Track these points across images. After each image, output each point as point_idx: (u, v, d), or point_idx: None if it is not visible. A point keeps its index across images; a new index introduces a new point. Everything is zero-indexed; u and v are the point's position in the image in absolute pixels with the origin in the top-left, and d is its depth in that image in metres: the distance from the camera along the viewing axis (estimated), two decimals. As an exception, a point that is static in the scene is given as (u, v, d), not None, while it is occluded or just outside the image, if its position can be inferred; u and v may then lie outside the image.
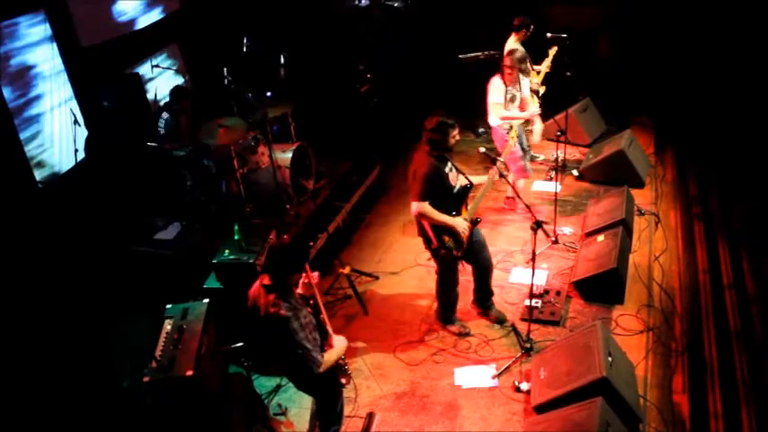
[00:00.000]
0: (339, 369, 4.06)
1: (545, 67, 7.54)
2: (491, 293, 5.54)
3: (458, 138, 4.86)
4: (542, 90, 7.62)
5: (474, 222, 5.03)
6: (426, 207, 4.77)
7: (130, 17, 7.86)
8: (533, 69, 7.61)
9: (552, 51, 7.51)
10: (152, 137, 6.58)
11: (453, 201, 4.94)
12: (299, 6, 9.22)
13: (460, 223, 4.90)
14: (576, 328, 5.11)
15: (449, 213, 4.87)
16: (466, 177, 5.00)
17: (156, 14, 8.31)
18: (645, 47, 9.52)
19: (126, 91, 7.49)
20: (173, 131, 6.69)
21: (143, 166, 6.58)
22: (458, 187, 4.95)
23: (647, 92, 9.25)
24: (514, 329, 5.28)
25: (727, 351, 5.02)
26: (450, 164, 4.93)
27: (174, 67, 8.09)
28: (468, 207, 5.06)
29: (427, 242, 5.04)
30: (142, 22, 8.03)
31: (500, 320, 5.50)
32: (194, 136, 6.47)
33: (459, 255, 5.05)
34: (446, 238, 4.92)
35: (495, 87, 6.32)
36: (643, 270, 5.94)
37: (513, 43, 7.29)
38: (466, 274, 5.45)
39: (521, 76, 6.42)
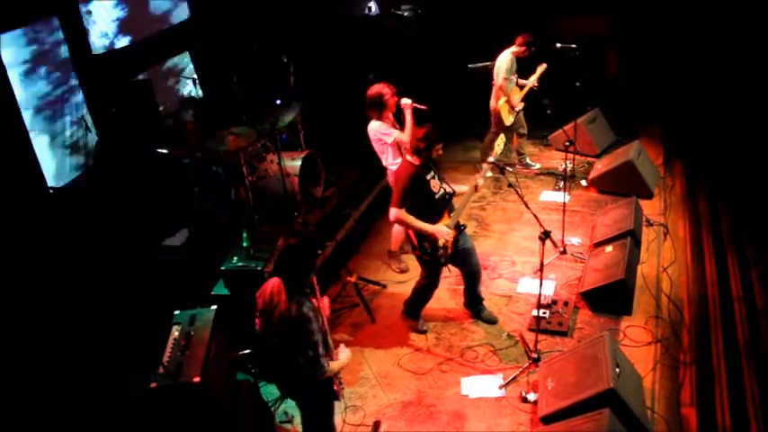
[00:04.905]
0: (335, 378, 3.98)
1: (531, 83, 7.56)
2: (480, 299, 5.63)
3: (441, 152, 4.97)
4: (521, 106, 7.68)
5: (459, 229, 5.07)
6: (403, 213, 4.82)
7: (142, 25, 7.92)
8: (518, 85, 7.66)
9: (540, 68, 7.54)
10: (162, 144, 6.62)
11: (434, 207, 4.98)
12: (309, 15, 9.27)
13: (442, 230, 4.93)
14: (583, 339, 5.09)
15: (429, 220, 4.90)
16: (448, 185, 5.08)
17: (167, 23, 8.38)
18: (653, 57, 9.51)
19: (137, 98, 7.55)
20: (176, 137, 6.72)
21: (152, 172, 6.62)
22: (439, 194, 4.99)
23: (656, 102, 9.23)
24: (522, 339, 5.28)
25: (736, 363, 4.98)
26: (432, 171, 5.00)
27: (194, 76, 8.18)
28: (452, 214, 5.11)
29: (412, 248, 5.13)
30: (153, 30, 8.10)
31: (491, 321, 5.59)
32: (203, 143, 6.51)
33: (442, 261, 5.10)
34: (426, 245, 4.97)
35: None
36: (651, 281, 5.92)
37: (505, 55, 7.51)
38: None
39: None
